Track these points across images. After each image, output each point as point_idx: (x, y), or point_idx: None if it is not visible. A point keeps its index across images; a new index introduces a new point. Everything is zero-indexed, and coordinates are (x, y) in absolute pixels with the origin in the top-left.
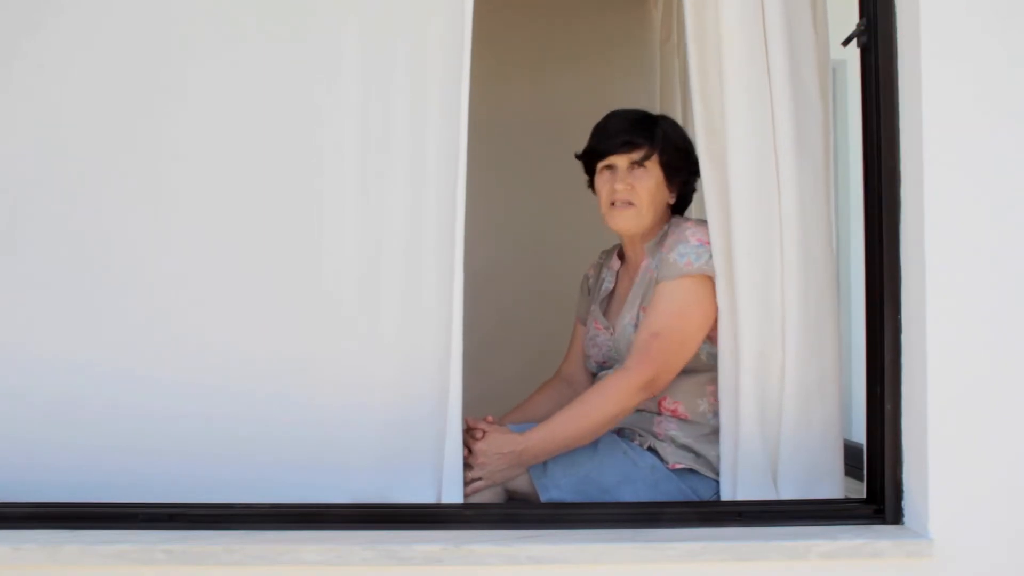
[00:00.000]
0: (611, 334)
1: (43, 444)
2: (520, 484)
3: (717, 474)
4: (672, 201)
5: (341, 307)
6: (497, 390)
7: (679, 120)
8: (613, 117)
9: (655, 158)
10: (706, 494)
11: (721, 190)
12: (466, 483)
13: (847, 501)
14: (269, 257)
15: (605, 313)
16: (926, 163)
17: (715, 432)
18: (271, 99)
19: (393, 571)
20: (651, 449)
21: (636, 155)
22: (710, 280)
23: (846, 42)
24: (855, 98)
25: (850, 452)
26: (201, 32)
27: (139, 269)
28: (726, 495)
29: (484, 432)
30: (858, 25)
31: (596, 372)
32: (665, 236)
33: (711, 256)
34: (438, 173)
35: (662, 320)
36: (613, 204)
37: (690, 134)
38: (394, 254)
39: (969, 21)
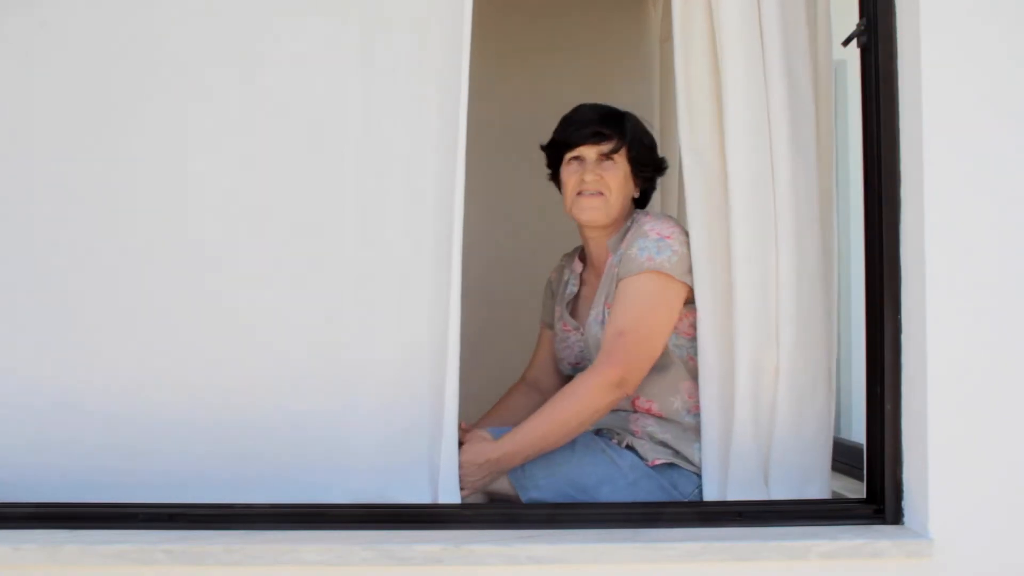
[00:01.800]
0: (581, 334)
1: (43, 444)
2: (500, 486)
3: (697, 469)
4: (636, 195)
5: (339, 307)
6: (494, 390)
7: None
8: (582, 108)
9: (623, 152)
10: (687, 488)
11: (708, 189)
12: None
13: (847, 501)
14: (268, 257)
15: (572, 314)
16: (926, 163)
17: (692, 430)
18: (270, 99)
19: (393, 571)
20: (630, 447)
21: (605, 147)
22: (672, 280)
23: (846, 42)
24: (855, 98)
25: (850, 452)
26: (200, 32)
27: (138, 269)
28: (714, 495)
29: (461, 442)
30: (858, 25)
31: (571, 374)
32: (627, 232)
33: (672, 252)
34: (437, 173)
35: (626, 317)
36: (580, 194)
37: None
38: (393, 253)
39: (969, 21)
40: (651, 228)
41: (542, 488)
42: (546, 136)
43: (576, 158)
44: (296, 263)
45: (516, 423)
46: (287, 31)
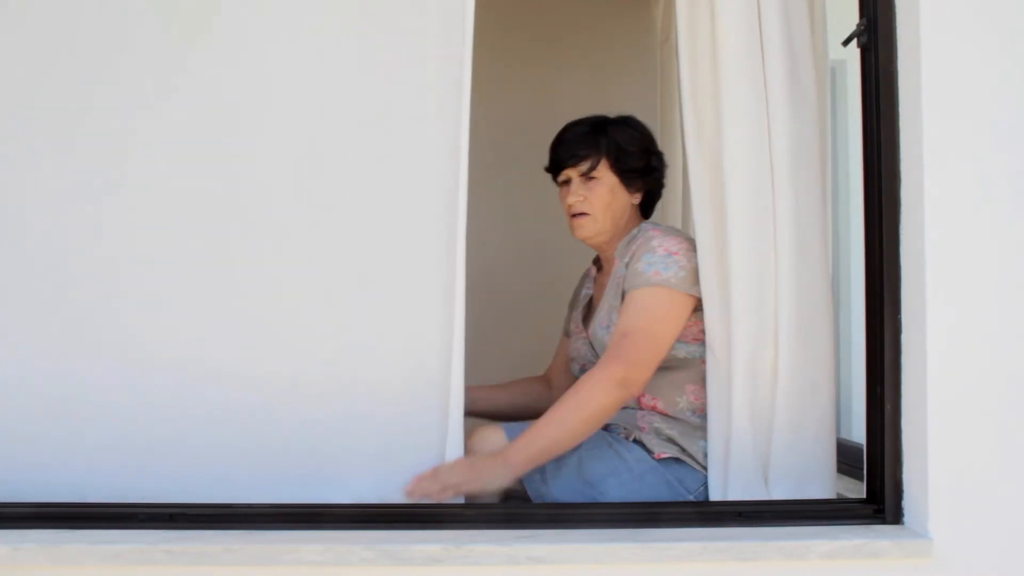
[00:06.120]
0: (586, 338)
1: (44, 444)
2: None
3: (703, 467)
4: (637, 201)
5: (342, 307)
6: None
7: (678, 118)
8: (565, 130)
9: (604, 165)
10: (693, 485)
11: (714, 190)
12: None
13: (847, 501)
14: (270, 257)
15: (585, 319)
16: (926, 163)
17: (699, 429)
18: (271, 99)
19: (393, 571)
20: (637, 441)
21: (583, 167)
22: (679, 293)
23: (846, 42)
24: (855, 98)
25: (850, 452)
26: (200, 30)
27: (140, 268)
28: (716, 493)
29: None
30: (858, 25)
31: (579, 375)
32: (634, 240)
33: (679, 267)
34: (439, 174)
35: (631, 321)
36: (571, 216)
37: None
38: (396, 254)
39: (969, 21)
40: (659, 244)
41: (549, 482)
42: (547, 137)
43: (566, 181)
44: (300, 264)
45: (504, 407)
46: (288, 32)
